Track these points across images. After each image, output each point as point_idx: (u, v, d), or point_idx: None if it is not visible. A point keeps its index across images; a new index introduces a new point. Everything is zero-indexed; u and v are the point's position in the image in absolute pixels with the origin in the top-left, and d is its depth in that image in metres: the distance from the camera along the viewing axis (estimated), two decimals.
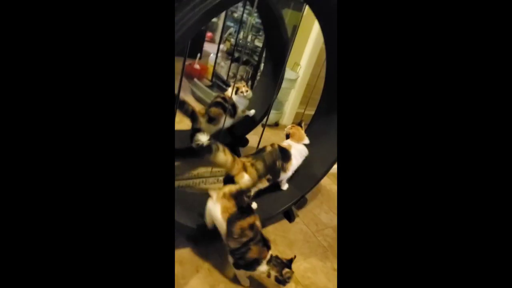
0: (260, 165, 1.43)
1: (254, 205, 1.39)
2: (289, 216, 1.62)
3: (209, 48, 4.00)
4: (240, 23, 3.00)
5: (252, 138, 2.05)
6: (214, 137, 1.37)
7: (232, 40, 3.56)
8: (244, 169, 1.39)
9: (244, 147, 2.05)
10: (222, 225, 1.06)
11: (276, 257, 1.09)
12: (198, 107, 1.77)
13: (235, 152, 1.97)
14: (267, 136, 2.49)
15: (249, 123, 1.95)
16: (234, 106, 1.76)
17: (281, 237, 1.49)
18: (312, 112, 1.78)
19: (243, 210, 1.06)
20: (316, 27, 2.43)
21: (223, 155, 1.31)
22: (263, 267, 1.06)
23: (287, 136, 1.60)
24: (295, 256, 1.10)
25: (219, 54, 3.02)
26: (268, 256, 1.08)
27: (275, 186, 1.61)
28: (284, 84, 2.10)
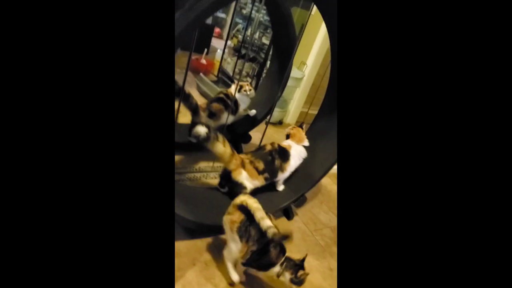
0: (259, 163, 1.43)
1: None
2: (288, 214, 1.62)
3: (217, 44, 4.00)
4: (249, 19, 2.99)
5: (255, 135, 2.05)
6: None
7: (240, 37, 3.56)
8: (243, 165, 1.39)
9: (246, 143, 2.06)
10: (235, 238, 1.07)
11: (289, 258, 1.08)
12: (201, 101, 1.78)
13: (237, 148, 1.97)
14: (270, 133, 2.49)
15: (251, 121, 1.96)
16: (236, 104, 1.77)
17: None
18: (316, 112, 1.78)
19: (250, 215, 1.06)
20: (324, 27, 2.42)
21: (222, 146, 1.31)
22: (276, 268, 1.06)
23: (287, 137, 1.60)
24: (306, 255, 1.09)
25: (226, 50, 3.02)
26: (282, 259, 1.07)
27: (271, 186, 1.60)
28: (289, 83, 2.10)
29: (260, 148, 1.52)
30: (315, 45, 2.59)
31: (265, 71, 2.67)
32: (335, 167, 1.61)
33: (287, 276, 1.06)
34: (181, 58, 2.91)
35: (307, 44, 2.57)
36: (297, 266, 1.06)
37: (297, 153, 1.54)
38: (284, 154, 1.51)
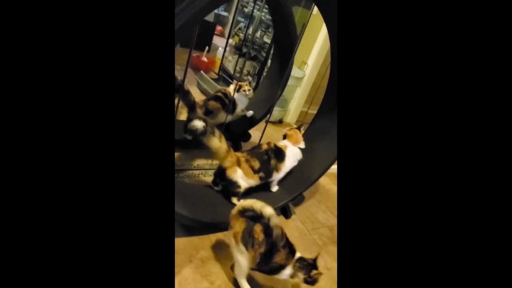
0: (254, 162, 1.42)
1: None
2: (286, 213, 1.63)
3: (218, 42, 4.01)
4: (250, 18, 2.99)
5: (255, 133, 2.05)
6: None
7: (241, 35, 3.56)
8: (238, 163, 1.39)
9: (246, 141, 2.06)
10: (241, 250, 1.05)
11: (301, 258, 1.07)
12: (201, 99, 1.78)
13: (237, 147, 1.98)
14: (270, 132, 2.49)
15: (249, 121, 1.96)
16: (234, 103, 1.77)
17: None
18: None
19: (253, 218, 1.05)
20: (325, 27, 2.42)
21: (217, 141, 1.31)
22: (287, 271, 1.05)
23: (284, 137, 1.60)
24: (319, 254, 1.08)
25: (228, 49, 3.02)
26: (294, 260, 1.06)
27: (265, 186, 1.59)
28: (290, 82, 2.10)
29: (256, 146, 1.51)
30: (316, 44, 2.58)
31: (266, 70, 2.67)
32: (333, 166, 1.61)
33: (300, 276, 1.05)
34: (181, 55, 2.91)
35: (308, 43, 2.57)
36: (310, 266, 1.05)
37: (293, 154, 1.53)
38: (279, 154, 1.51)
